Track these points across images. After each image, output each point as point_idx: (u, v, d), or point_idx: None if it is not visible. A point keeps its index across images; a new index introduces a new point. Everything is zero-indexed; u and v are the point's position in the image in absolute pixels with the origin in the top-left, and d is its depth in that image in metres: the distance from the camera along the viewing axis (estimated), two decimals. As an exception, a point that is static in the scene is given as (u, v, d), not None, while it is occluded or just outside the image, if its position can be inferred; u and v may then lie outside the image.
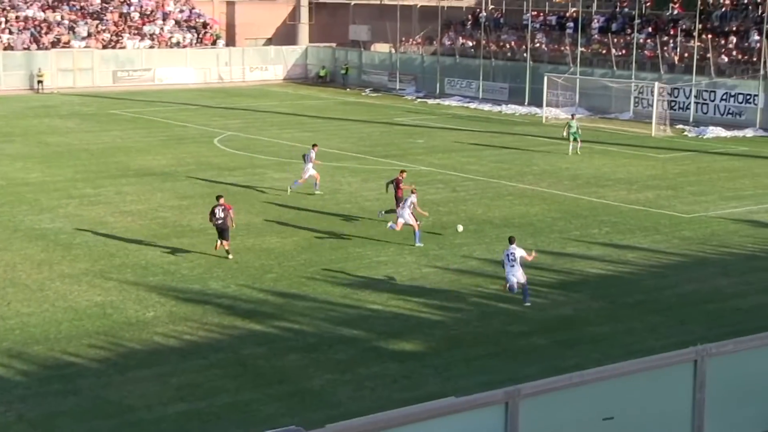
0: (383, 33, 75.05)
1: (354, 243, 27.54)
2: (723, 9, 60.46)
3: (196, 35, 76.52)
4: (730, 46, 56.84)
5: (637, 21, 60.52)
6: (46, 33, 70.40)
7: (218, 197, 25.89)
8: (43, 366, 18.48)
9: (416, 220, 27.08)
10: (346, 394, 17.40)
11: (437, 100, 65.05)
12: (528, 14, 67.66)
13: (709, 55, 55.18)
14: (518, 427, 10.19)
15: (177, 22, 77.07)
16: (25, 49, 68.45)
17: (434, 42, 72.12)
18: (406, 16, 75.51)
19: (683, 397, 11.50)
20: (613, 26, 63.74)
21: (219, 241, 25.61)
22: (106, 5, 75.58)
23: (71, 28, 71.75)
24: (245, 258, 25.84)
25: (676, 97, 55.52)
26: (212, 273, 24.46)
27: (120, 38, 72.53)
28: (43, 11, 72.72)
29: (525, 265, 22.16)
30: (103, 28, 72.95)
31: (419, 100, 66.08)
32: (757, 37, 55.76)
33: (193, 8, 79.61)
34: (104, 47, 71.29)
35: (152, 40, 73.94)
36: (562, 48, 63.54)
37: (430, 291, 23.32)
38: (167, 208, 31.66)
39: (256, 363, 18.72)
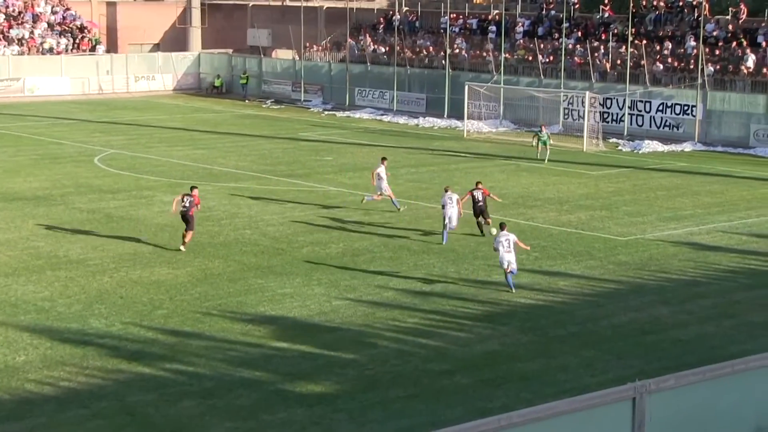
0: (286, 38, 75.16)
1: (255, 273, 27.44)
2: (657, 12, 62.09)
3: (72, 40, 75.57)
4: (666, 52, 58.37)
5: (565, 24, 61.73)
6: None
7: (192, 188, 30.22)
8: None
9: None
10: (248, 444, 17.32)
11: (347, 113, 65.34)
12: (446, 17, 68.52)
13: (644, 62, 56.56)
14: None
15: (49, 25, 75.99)
16: None
17: (342, 48, 72.48)
18: (310, 19, 75.80)
19: (621, 438, 11.70)
20: (539, 30, 64.94)
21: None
22: (-34, 5, 74.32)
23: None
24: (132, 292, 25.54)
25: (609, 108, 56.73)
26: (93, 310, 24.12)
27: (-17, 43, 71.31)
28: None
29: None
30: (-36, 31, 71.69)
31: (327, 112, 66.29)
32: (693, 43, 57.33)
33: (67, 9, 78.57)
34: (-35, 54, 70.03)
35: (21, 45, 72.75)
36: (484, 54, 64.49)
37: (342, 326, 23.33)
38: (41, 237, 31.17)
39: (145, 411, 18.49)
